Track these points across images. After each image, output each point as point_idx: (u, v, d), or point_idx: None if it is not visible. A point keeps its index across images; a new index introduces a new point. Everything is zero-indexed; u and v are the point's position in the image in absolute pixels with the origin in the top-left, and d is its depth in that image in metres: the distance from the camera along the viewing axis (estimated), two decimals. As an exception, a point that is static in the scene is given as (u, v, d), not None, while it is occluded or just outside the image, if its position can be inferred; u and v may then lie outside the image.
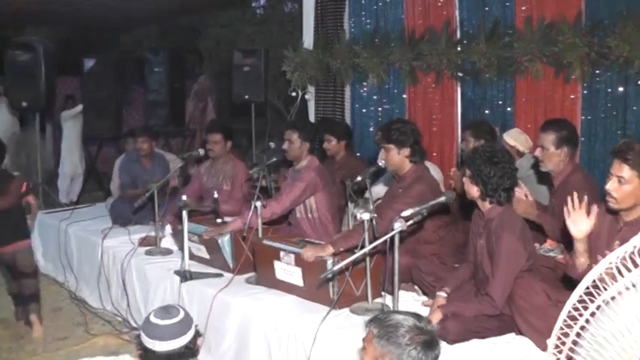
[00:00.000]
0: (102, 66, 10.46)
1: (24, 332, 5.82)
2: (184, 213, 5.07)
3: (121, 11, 11.41)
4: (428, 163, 5.02)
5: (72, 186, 10.93)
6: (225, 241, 5.03)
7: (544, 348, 3.40)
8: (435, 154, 6.95)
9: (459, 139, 6.67)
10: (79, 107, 10.68)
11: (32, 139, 9.28)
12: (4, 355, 5.41)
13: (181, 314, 2.92)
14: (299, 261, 4.35)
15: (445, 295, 3.94)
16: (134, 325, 5.62)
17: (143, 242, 6.01)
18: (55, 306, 6.46)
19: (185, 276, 5.04)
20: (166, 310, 2.94)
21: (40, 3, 10.46)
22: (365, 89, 7.70)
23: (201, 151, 6.27)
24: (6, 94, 9.34)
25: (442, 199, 3.91)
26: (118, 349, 5.27)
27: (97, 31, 13.63)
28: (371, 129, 7.59)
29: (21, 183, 5.85)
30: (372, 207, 4.28)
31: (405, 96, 7.34)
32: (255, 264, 4.84)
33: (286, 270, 4.46)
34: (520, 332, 3.70)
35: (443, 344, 2.78)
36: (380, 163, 4.63)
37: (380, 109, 7.59)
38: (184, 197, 5.19)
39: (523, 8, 6.31)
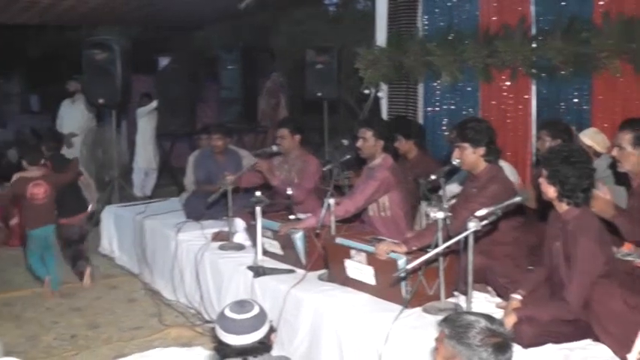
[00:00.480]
0: (176, 64, 10.65)
1: (100, 321, 6.00)
2: (258, 209, 5.12)
3: (193, 10, 11.57)
4: (502, 163, 4.95)
5: (146, 180, 11.17)
6: (298, 238, 5.05)
7: (622, 356, 3.33)
8: (508, 153, 6.83)
9: (534, 139, 6.57)
10: (154, 104, 10.89)
11: (108, 135, 9.52)
12: (81, 342, 5.57)
13: (256, 309, 2.95)
14: (371, 260, 4.35)
15: (520, 298, 3.85)
16: (207, 318, 5.72)
17: (216, 237, 6.10)
18: (129, 297, 6.63)
19: (258, 271, 5.10)
20: (241, 305, 2.97)
21: (114, 3, 10.69)
22: (438, 87, 7.63)
23: (275, 148, 6.30)
24: (83, 92, 9.60)
25: (517, 199, 3.86)
26: (190, 341, 5.37)
27: (170, 30, 13.86)
28: (443, 127, 7.53)
29: (77, 164, 7.48)
30: (446, 206, 4.23)
31: (478, 94, 7.25)
32: (327, 261, 4.86)
33: (358, 268, 4.47)
34: (597, 339, 3.60)
35: (516, 348, 2.74)
36: (454, 162, 4.58)
37: (453, 107, 7.51)
38: (258, 193, 5.23)
39: (601, 3, 6.16)
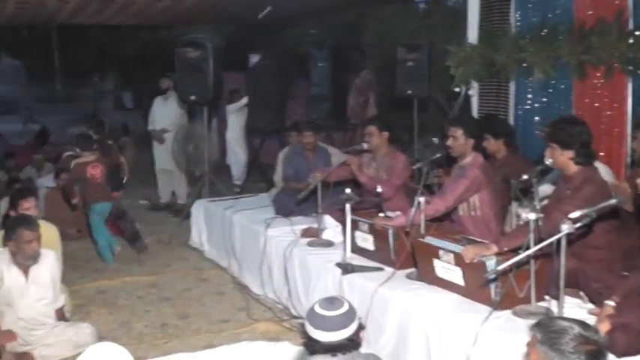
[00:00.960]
0: (266, 61, 10.77)
1: (189, 311, 6.13)
2: (347, 206, 5.14)
3: (284, 8, 11.67)
4: (598, 164, 4.81)
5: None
6: (390, 234, 5.05)
7: None
8: (602, 153, 6.63)
9: (629, 139, 6.36)
10: (244, 100, 11.05)
11: (199, 131, 9.70)
12: (170, 331, 5.71)
13: (345, 306, 2.96)
14: (459, 261, 4.31)
15: (613, 304, 3.73)
16: (294, 313, 5.77)
17: (305, 233, 6.14)
18: (218, 289, 6.74)
19: (347, 268, 5.12)
20: (331, 302, 2.99)
21: (206, 3, 10.89)
22: (530, 85, 7.48)
23: (365, 145, 6.30)
24: (175, 89, 9.82)
25: (612, 201, 3.75)
26: (277, 336, 5.43)
27: (260, 27, 14.01)
28: (535, 126, 7.37)
29: (116, 149, 9.16)
30: (538, 207, 4.15)
31: (571, 92, 7.07)
32: (416, 260, 4.84)
33: (446, 268, 4.44)
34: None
35: (610, 356, 2.67)
36: (547, 162, 4.49)
37: (545, 105, 7.34)
38: (348, 190, 5.25)
39: None
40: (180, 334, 5.64)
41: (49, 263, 5.18)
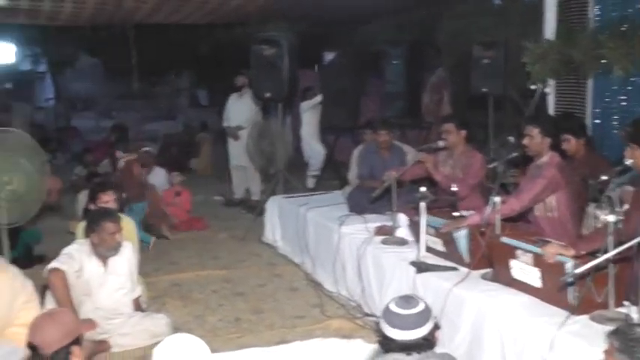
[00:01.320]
0: (341, 58, 10.80)
1: (263, 306, 6.22)
2: (422, 205, 5.12)
3: (358, 6, 11.67)
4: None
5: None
6: (460, 236, 5.02)
7: None
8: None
9: None
10: (318, 98, 11.10)
11: (273, 128, 9.79)
12: (244, 325, 5.80)
13: (421, 305, 2.98)
14: (537, 261, 4.24)
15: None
16: (367, 311, 5.77)
17: (379, 231, 6.14)
18: (292, 285, 6.81)
19: (421, 267, 5.10)
20: (407, 300, 3.01)
21: (281, 1, 10.98)
22: (609, 82, 7.31)
23: (441, 143, 6.27)
24: (250, 86, 9.94)
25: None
26: (351, 333, 5.44)
27: (335, 25, 14.04)
28: (614, 124, 7.20)
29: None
30: (617, 209, 4.06)
31: (653, 90, 6.89)
32: (492, 261, 4.79)
33: (523, 269, 4.38)
34: None
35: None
36: (627, 162, 4.38)
37: (624, 103, 7.16)
38: (423, 189, 5.24)
39: None
40: (253, 328, 5.73)
41: (127, 254, 5.34)
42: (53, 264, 4.99)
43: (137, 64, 19.12)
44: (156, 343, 2.81)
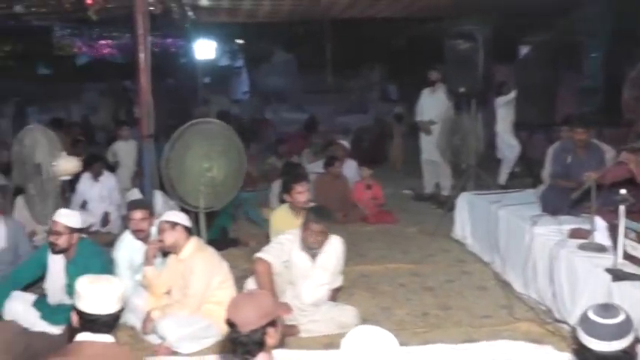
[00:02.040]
0: (537, 52, 10.47)
1: (450, 303, 6.19)
2: (621, 208, 4.88)
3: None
4: None
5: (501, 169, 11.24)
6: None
7: None
8: None
9: None
10: (513, 94, 10.85)
11: (466, 123, 9.68)
12: (432, 320, 5.81)
13: (622, 315, 2.85)
14: None
15: None
16: (558, 317, 5.58)
17: (574, 234, 5.90)
18: (480, 284, 6.71)
19: (617, 275, 4.86)
20: (606, 309, 2.89)
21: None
22: None
23: None
24: (444, 81, 9.90)
25: None
26: (540, 338, 5.30)
27: (530, 15, 13.59)
28: None
29: None
30: None
31: None
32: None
33: None
34: None
35: None
36: None
37: None
38: (623, 191, 4.98)
39: None
40: (441, 324, 5.72)
41: (336, 248, 5.58)
42: (262, 254, 5.31)
43: (331, 59, 19.62)
44: (343, 333, 2.88)
